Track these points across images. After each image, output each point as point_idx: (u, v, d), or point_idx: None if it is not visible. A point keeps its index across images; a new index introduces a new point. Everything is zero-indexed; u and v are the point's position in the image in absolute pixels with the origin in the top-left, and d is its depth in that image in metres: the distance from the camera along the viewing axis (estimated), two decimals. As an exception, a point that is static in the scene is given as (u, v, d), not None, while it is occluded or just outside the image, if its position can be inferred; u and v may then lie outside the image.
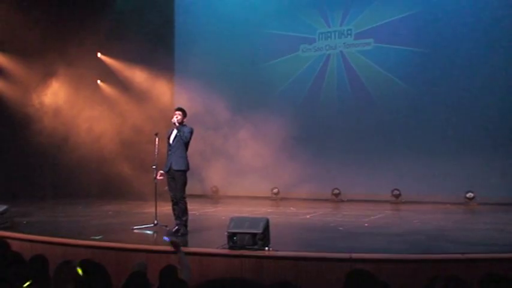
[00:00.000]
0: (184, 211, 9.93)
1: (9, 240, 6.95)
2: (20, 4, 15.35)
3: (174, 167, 9.90)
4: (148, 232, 10.52)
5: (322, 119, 16.78)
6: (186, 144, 9.99)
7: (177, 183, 9.91)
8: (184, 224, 9.90)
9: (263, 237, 8.03)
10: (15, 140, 16.30)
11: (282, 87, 17.42)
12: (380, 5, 16.33)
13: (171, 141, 10.04)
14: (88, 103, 16.99)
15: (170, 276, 5.48)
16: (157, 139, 10.92)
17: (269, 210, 14.18)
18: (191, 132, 9.99)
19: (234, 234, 8.09)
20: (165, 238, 9.37)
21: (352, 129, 16.38)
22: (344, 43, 16.91)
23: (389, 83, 16.09)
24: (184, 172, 9.95)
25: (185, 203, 9.94)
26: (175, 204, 9.97)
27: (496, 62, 14.94)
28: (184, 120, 10.07)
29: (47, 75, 17.23)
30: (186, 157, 9.99)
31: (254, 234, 8.00)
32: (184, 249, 8.77)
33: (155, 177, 10.64)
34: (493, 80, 14.95)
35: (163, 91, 17.45)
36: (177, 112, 10.05)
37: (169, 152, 10.03)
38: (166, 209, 11.05)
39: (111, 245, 8.73)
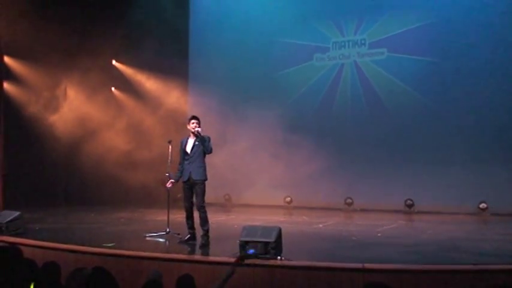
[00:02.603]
0: (205, 220, 9.76)
1: (21, 247, 6.97)
2: (35, 12, 15.44)
3: (195, 177, 9.77)
4: (161, 240, 10.53)
5: (336, 128, 16.76)
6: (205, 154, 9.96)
7: (198, 192, 9.79)
8: (206, 234, 9.73)
9: (275, 246, 8.01)
10: (28, 147, 16.39)
11: (296, 95, 17.43)
12: (393, 15, 16.31)
13: (188, 150, 9.87)
14: (102, 111, 17.05)
15: (187, 285, 5.46)
16: (170, 147, 10.92)
17: (282, 219, 14.16)
18: (209, 141, 9.91)
19: (247, 243, 8.08)
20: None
21: (365, 138, 16.34)
22: (358, 52, 16.89)
23: (402, 93, 16.05)
24: (203, 182, 9.85)
25: (205, 212, 9.81)
26: (189, 215, 9.87)
27: (510, 72, 14.88)
28: (199, 127, 9.92)
29: (61, 82, 17.37)
30: (205, 166, 9.91)
31: (266, 243, 7.99)
32: (195, 257, 8.82)
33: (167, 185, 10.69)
34: (507, 90, 14.87)
35: (177, 99, 17.48)
36: (195, 121, 9.89)
37: (186, 162, 9.89)
38: (178, 216, 11.06)
39: (124, 253, 8.74)
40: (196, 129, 9.83)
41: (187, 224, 9.98)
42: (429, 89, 15.78)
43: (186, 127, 10.07)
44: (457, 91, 15.41)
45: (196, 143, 9.84)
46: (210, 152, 9.90)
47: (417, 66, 15.94)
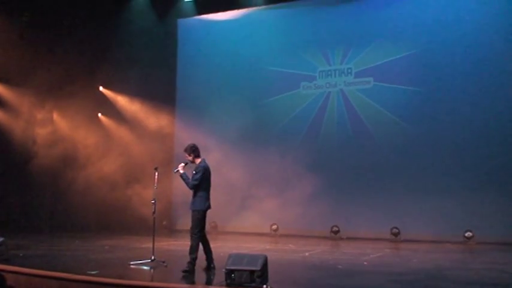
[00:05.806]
0: (194, 248, 9.63)
1: (4, 273, 6.88)
2: (27, 41, 15.49)
3: (190, 207, 9.83)
4: (145, 268, 10.43)
5: (322, 156, 16.78)
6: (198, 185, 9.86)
7: (191, 220, 9.75)
8: (191, 262, 9.59)
9: (261, 274, 7.95)
10: (13, 173, 16.29)
11: (283, 123, 17.50)
12: (380, 45, 16.46)
13: None
14: (88, 136, 17.01)
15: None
16: (156, 173, 10.88)
17: (268, 247, 14.09)
18: (197, 173, 9.84)
19: (232, 271, 8.02)
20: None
21: (351, 167, 16.38)
22: (344, 81, 17.01)
23: (388, 122, 16.15)
24: (198, 212, 9.79)
25: (196, 240, 9.67)
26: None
27: (496, 102, 15.01)
28: (191, 157, 9.92)
29: (49, 109, 17.33)
30: (203, 196, 9.86)
31: (252, 272, 7.93)
32: (179, 285, 8.72)
33: (153, 212, 10.65)
34: (492, 120, 14.99)
35: (164, 125, 17.48)
36: (185, 154, 9.95)
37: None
38: (164, 244, 10.96)
39: (107, 281, 8.63)
40: (180, 166, 9.91)
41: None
42: (415, 118, 15.89)
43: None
44: (442, 120, 15.53)
45: (194, 172, 9.79)
46: (191, 188, 9.83)
47: (403, 96, 16.07)
